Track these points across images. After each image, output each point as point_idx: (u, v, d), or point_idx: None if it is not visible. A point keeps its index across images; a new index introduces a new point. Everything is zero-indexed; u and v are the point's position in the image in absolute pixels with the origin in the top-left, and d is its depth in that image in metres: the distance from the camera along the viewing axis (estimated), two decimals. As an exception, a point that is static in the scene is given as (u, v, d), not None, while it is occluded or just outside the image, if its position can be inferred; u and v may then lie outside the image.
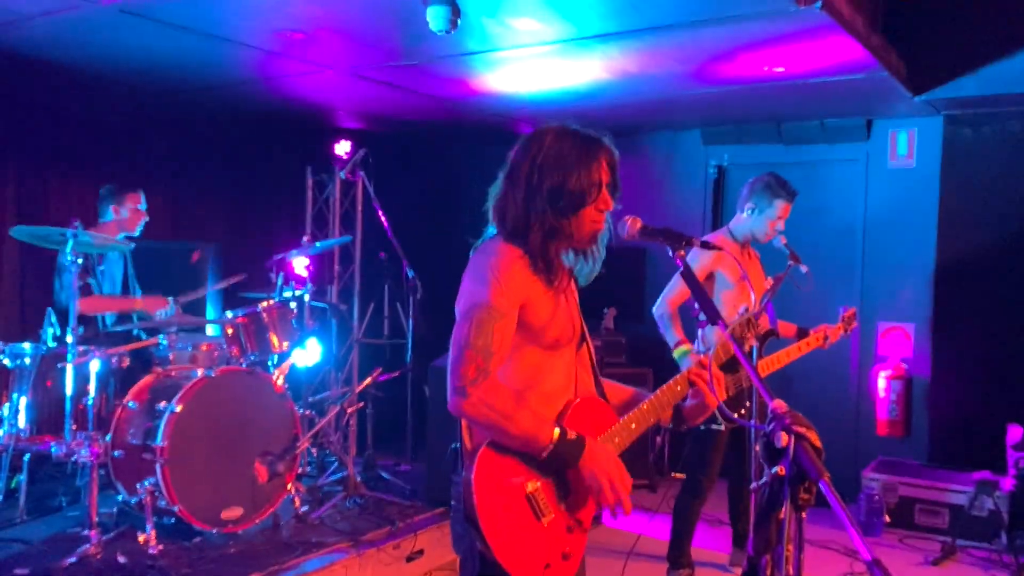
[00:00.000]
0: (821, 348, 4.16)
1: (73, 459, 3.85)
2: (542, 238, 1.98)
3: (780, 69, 4.62)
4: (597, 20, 3.91)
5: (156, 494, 3.84)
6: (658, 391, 2.16)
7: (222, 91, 5.46)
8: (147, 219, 4.91)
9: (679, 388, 2.16)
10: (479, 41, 4.25)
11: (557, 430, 1.93)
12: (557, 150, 1.99)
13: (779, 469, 1.52)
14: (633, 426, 2.11)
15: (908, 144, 5.87)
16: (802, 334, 4.18)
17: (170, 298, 4.69)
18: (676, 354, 4.03)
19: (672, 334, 4.06)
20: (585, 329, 2.17)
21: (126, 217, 4.81)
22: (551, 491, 1.99)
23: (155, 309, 4.65)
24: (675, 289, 4.07)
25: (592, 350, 2.23)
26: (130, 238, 4.78)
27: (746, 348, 3.69)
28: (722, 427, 4.05)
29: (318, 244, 5.28)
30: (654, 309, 4.13)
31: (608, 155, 2.02)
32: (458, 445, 2.01)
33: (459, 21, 3.62)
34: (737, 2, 3.64)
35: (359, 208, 6.23)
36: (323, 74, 5.01)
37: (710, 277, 4.08)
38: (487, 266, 1.95)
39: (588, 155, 2.00)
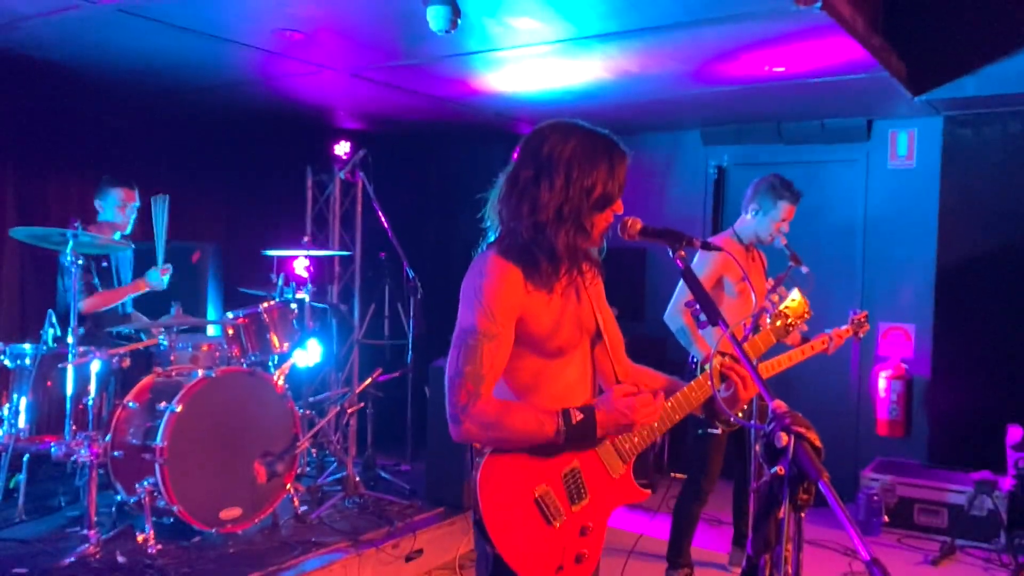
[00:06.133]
0: (825, 353, 4.09)
1: (72, 459, 3.85)
2: (566, 237, 1.93)
3: (780, 69, 4.62)
4: (597, 20, 3.91)
5: (155, 494, 3.84)
6: (685, 388, 2.13)
7: (222, 91, 5.46)
8: (133, 216, 4.78)
9: (708, 384, 2.12)
10: (479, 41, 4.25)
11: (560, 419, 1.90)
12: (587, 148, 1.94)
13: (778, 469, 1.52)
14: (656, 425, 2.07)
15: (908, 144, 5.87)
16: (805, 342, 4.14)
17: (169, 265, 4.64)
18: (708, 367, 3.96)
19: (697, 348, 4.00)
20: (603, 322, 2.11)
21: (110, 214, 4.70)
22: (562, 493, 1.97)
23: (156, 279, 4.56)
24: (684, 294, 4.02)
25: (616, 341, 2.16)
26: (124, 236, 4.74)
27: (799, 337, 3.66)
28: (719, 431, 4.04)
29: (314, 252, 5.29)
30: (668, 320, 4.07)
31: (626, 156, 2.01)
32: (472, 445, 1.98)
33: (459, 21, 3.62)
34: (737, 2, 3.64)
35: (359, 208, 6.23)
36: (323, 74, 5.01)
37: (718, 283, 4.06)
38: (473, 288, 1.92)
39: (614, 153, 1.97)
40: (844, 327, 4.15)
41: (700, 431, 4.07)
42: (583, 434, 1.93)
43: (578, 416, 1.92)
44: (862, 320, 4.20)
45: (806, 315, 2.50)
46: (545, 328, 1.96)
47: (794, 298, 2.50)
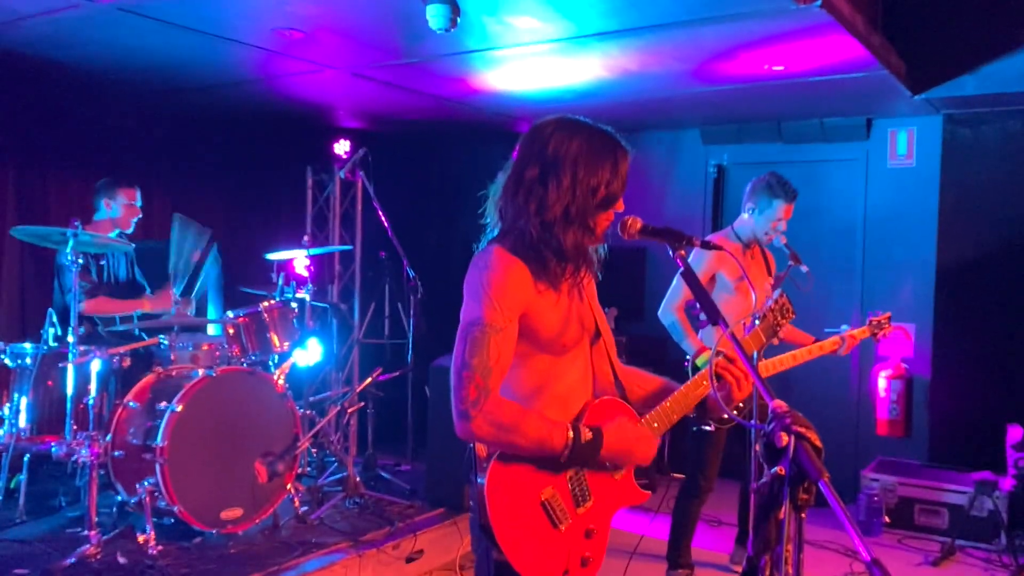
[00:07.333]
0: (835, 355, 4.06)
1: (73, 459, 3.85)
2: (574, 237, 1.92)
3: (780, 68, 4.62)
4: (597, 18, 3.90)
5: (156, 494, 3.84)
6: (683, 387, 2.12)
7: (222, 90, 5.46)
8: (140, 216, 4.86)
9: (705, 383, 2.11)
10: (479, 39, 4.24)
11: (571, 432, 1.88)
12: (592, 147, 1.93)
13: (779, 469, 1.52)
14: (656, 425, 2.06)
15: (907, 143, 5.87)
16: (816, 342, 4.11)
17: (175, 291, 4.68)
18: (699, 361, 3.97)
19: (688, 343, 4.02)
20: (600, 321, 2.11)
21: (119, 214, 4.75)
22: (568, 496, 1.95)
23: (162, 307, 4.62)
24: (678, 292, 4.05)
25: (610, 341, 2.15)
26: (124, 235, 4.76)
27: (780, 335, 3.63)
28: (712, 427, 4.03)
29: (313, 251, 5.28)
30: (661, 316, 4.10)
31: (628, 153, 1.99)
32: (473, 446, 1.95)
33: (459, 19, 3.62)
34: (737, 0, 3.64)
35: (359, 208, 6.23)
36: (323, 73, 5.01)
37: (712, 280, 4.06)
38: (479, 281, 1.88)
39: (618, 152, 1.96)
40: (860, 328, 4.11)
41: (695, 428, 4.07)
42: (588, 454, 1.92)
43: (587, 435, 1.91)
44: (882, 321, 4.15)
45: (790, 315, 2.50)
46: (555, 328, 1.94)
47: (777, 298, 2.50)
